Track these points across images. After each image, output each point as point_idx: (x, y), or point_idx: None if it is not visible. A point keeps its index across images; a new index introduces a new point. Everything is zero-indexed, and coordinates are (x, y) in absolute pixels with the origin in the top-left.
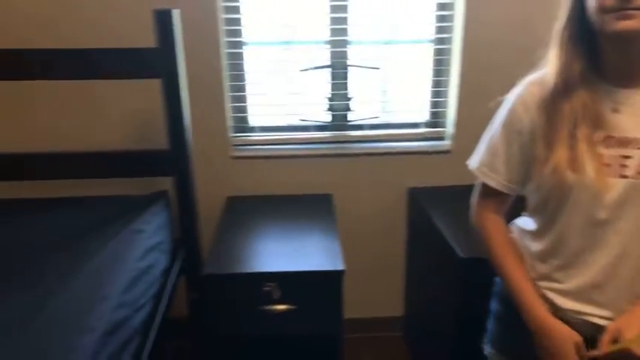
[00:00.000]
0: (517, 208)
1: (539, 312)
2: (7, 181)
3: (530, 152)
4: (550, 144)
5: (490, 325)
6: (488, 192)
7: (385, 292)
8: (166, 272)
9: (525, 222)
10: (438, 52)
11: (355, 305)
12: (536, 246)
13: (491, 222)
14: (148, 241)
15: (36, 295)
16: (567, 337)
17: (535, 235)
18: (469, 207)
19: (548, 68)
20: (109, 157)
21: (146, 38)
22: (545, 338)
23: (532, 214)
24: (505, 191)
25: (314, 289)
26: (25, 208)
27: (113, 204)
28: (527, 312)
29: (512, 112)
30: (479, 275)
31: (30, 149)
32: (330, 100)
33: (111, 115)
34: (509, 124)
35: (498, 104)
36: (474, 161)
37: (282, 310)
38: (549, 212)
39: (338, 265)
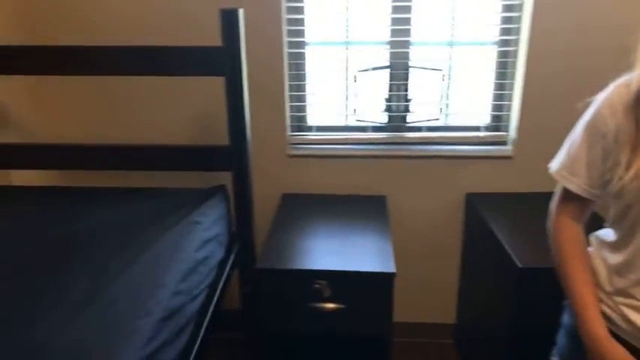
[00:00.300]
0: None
1: (598, 330)
2: (77, 170)
3: (613, 156)
4: (635, 148)
5: (561, 339)
6: (567, 197)
7: (437, 298)
8: (222, 264)
9: (606, 233)
10: (502, 55)
11: (406, 309)
12: (614, 258)
13: (567, 229)
14: (205, 232)
15: (98, 279)
16: (622, 359)
17: (613, 246)
18: (535, 213)
19: (638, 70)
20: (172, 151)
21: (200, 37)
22: (599, 357)
23: (612, 224)
24: (585, 196)
25: (364, 289)
26: (93, 196)
27: (174, 195)
28: (586, 328)
29: (597, 114)
30: (537, 286)
31: (98, 141)
32: (389, 101)
33: (177, 111)
34: (593, 127)
35: (586, 105)
36: (554, 164)
37: (332, 308)
38: (630, 222)
39: (389, 268)
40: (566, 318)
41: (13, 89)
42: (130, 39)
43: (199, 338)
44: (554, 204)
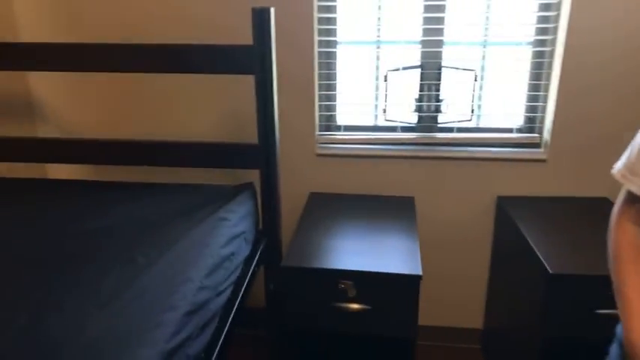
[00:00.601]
0: None
1: (638, 337)
2: (109, 165)
3: None
4: None
5: (614, 350)
6: (630, 199)
7: (465, 303)
8: (248, 261)
9: None
10: (537, 55)
11: (432, 312)
12: None
13: (626, 232)
14: (232, 229)
15: (126, 272)
16: None
17: None
18: (568, 219)
19: None
20: (202, 148)
21: (232, 36)
22: None
23: None
24: None
25: (389, 291)
26: (124, 191)
27: (202, 192)
28: (628, 337)
29: None
30: (569, 294)
31: (131, 137)
32: (419, 101)
33: (208, 109)
34: None
35: None
36: (617, 165)
37: (357, 309)
38: None
39: (416, 270)
40: (619, 328)
41: (52, 85)
42: (163, 39)
43: (224, 334)
44: (616, 207)
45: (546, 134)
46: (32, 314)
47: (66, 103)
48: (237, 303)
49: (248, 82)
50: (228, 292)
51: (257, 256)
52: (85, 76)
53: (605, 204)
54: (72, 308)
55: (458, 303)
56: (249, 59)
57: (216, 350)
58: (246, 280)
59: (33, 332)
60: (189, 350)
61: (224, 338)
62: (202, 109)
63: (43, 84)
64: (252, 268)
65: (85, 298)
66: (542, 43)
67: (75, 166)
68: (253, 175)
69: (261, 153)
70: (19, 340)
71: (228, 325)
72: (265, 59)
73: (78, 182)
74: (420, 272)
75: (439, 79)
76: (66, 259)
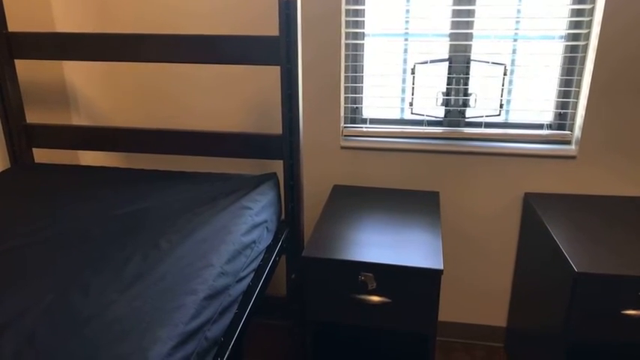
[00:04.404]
0: None
1: None
2: (138, 153)
3: None
4: None
5: None
6: None
7: (489, 300)
8: (269, 250)
9: None
10: (570, 49)
11: (454, 308)
12: None
13: None
14: (254, 217)
15: (150, 256)
16: None
17: None
18: (597, 217)
19: None
20: (226, 138)
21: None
22: None
23: None
24: None
25: (410, 285)
26: (152, 178)
27: (227, 180)
28: None
29: None
30: (596, 294)
31: (158, 125)
32: (447, 94)
33: (234, 99)
34: None
35: None
36: None
37: (376, 301)
38: None
39: (437, 264)
40: None
41: (85, 74)
42: (189, 32)
43: (243, 319)
44: None
45: (577, 131)
46: (58, 294)
47: (98, 92)
48: (257, 290)
49: (274, 72)
50: (249, 279)
51: (279, 246)
52: (116, 66)
53: (637, 203)
54: (96, 290)
55: (482, 300)
56: (275, 50)
57: (235, 335)
58: (267, 269)
59: (57, 311)
60: (209, 333)
61: (243, 324)
62: (229, 99)
63: (77, 73)
64: (274, 257)
65: (108, 281)
66: (575, 37)
67: (105, 153)
68: (277, 165)
69: (284, 143)
70: (43, 318)
71: (247, 311)
72: (291, 50)
73: (110, 169)
74: (441, 267)
75: (467, 73)
76: (97, 242)
